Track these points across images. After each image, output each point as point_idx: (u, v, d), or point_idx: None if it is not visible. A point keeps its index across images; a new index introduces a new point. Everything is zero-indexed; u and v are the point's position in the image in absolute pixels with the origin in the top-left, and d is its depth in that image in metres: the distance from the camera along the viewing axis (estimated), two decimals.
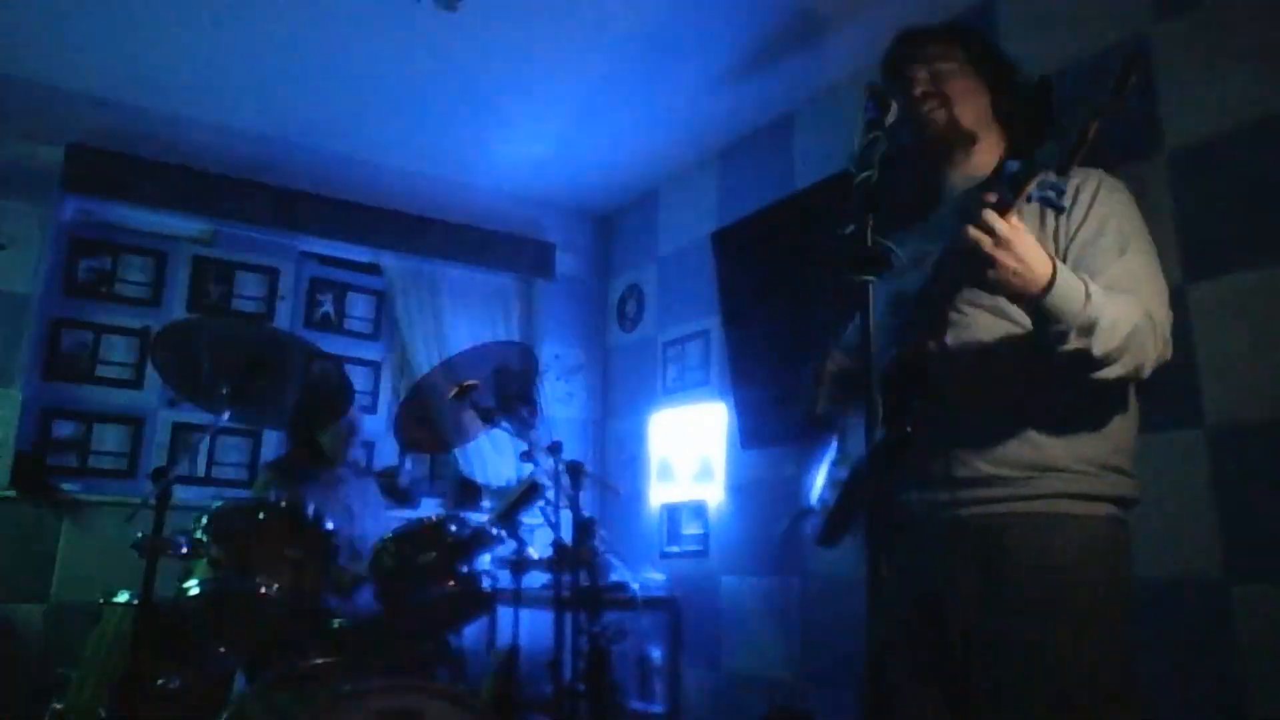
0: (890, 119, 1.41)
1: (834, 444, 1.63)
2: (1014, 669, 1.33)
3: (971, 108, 1.55)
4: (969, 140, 1.56)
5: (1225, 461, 2.41)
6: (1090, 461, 1.38)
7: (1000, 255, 1.20)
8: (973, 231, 1.21)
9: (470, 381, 2.77)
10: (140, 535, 2.06)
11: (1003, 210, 1.20)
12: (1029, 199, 1.19)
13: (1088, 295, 1.25)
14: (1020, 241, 1.21)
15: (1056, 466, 1.37)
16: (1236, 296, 2.43)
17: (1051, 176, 1.17)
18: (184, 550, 2.22)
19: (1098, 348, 1.26)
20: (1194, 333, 2.50)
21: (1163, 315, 1.36)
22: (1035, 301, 1.24)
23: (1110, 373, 1.29)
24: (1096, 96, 1.13)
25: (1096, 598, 1.35)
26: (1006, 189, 1.20)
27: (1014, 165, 1.19)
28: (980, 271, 1.23)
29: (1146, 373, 1.34)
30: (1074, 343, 1.25)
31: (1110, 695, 1.33)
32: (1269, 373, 2.35)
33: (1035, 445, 1.37)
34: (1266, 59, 2.44)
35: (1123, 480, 1.41)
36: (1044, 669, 1.31)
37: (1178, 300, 2.49)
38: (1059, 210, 1.22)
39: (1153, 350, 1.32)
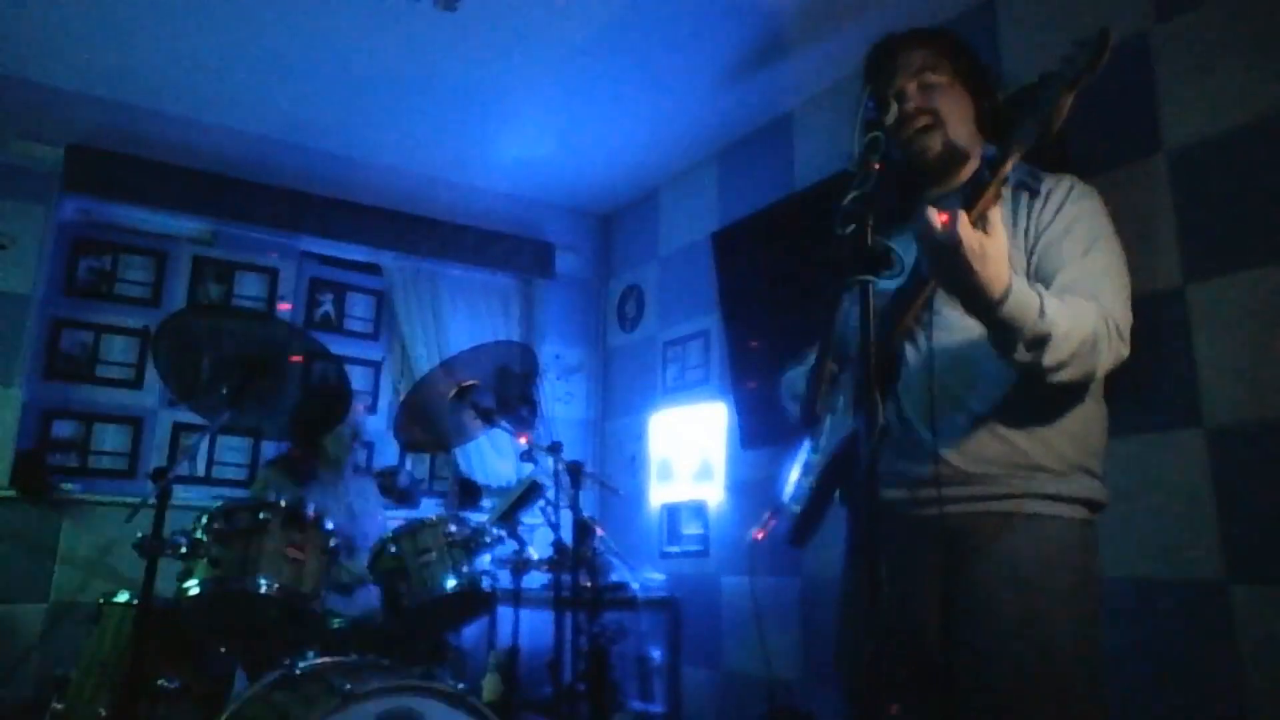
0: (890, 119, 1.40)
1: (806, 445, 1.63)
2: (987, 667, 1.34)
3: (963, 124, 1.54)
4: (962, 158, 1.56)
5: (1225, 461, 2.41)
6: (1063, 460, 1.40)
7: (961, 260, 1.19)
8: (938, 237, 1.20)
9: (470, 381, 2.77)
10: (140, 535, 2.06)
11: (980, 190, 1.20)
12: (1006, 181, 1.19)
13: (1041, 311, 1.25)
14: (979, 254, 1.20)
15: (1033, 465, 1.38)
16: (1236, 296, 2.43)
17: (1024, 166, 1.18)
18: (184, 550, 2.22)
19: (1048, 359, 1.27)
20: (1194, 333, 2.50)
21: (1121, 316, 1.37)
22: (988, 314, 1.25)
23: (1060, 377, 1.30)
24: (1068, 70, 1.13)
25: (1069, 599, 1.36)
26: (985, 170, 1.20)
27: (991, 150, 1.20)
28: (940, 275, 1.24)
29: (1100, 375, 1.36)
30: (1022, 356, 1.27)
31: (1081, 698, 1.34)
32: (1269, 373, 2.35)
33: (1010, 443, 1.39)
34: (1266, 59, 2.44)
35: (1093, 484, 1.43)
36: (1016, 667, 1.32)
37: (1178, 300, 2.52)
38: (1033, 193, 1.23)
39: (1107, 353, 1.33)
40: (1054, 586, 1.36)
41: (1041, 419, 1.40)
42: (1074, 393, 1.41)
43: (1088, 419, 1.44)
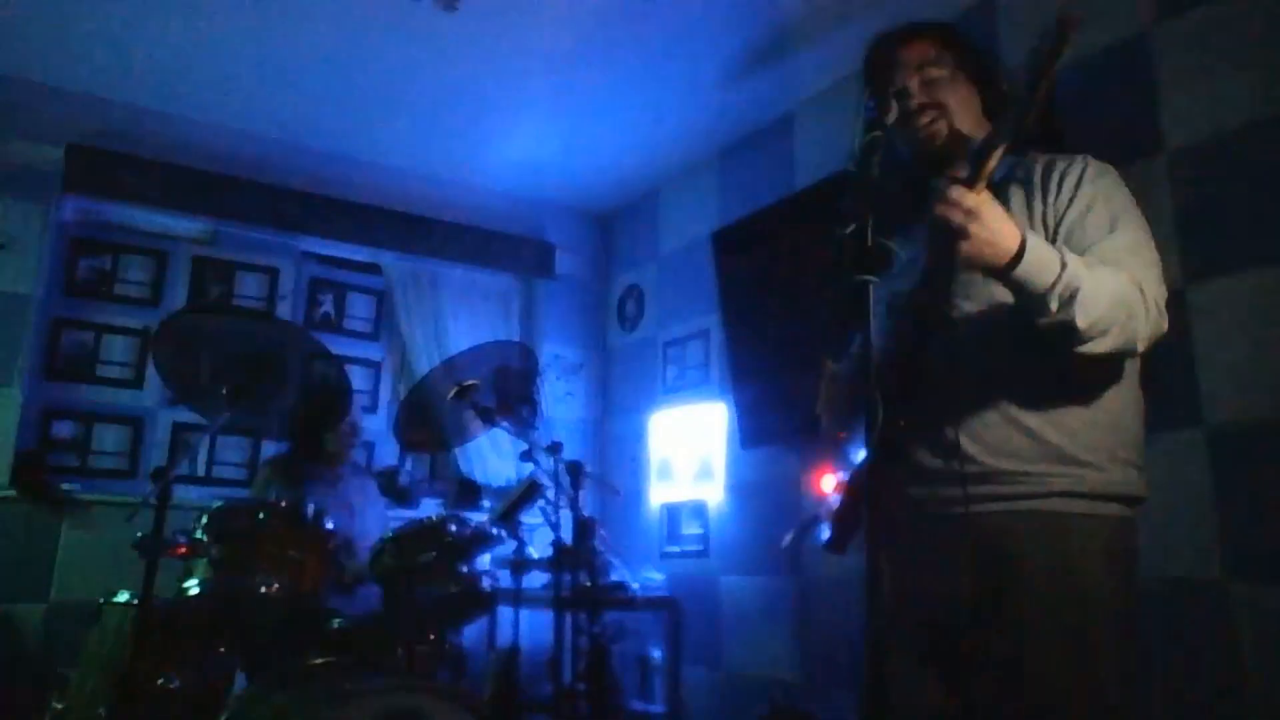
0: (891, 119, 1.40)
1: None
2: (1020, 677, 1.31)
3: (968, 113, 1.52)
4: (966, 149, 1.52)
5: (1225, 461, 2.41)
6: (1096, 451, 1.35)
7: (972, 227, 1.21)
8: (940, 208, 1.21)
9: (470, 381, 2.77)
10: (140, 535, 2.06)
11: (968, 186, 1.21)
12: (994, 177, 1.20)
13: (1063, 264, 1.24)
14: (988, 212, 1.21)
15: (1063, 458, 1.34)
16: (1236, 296, 2.43)
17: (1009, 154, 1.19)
18: (184, 550, 2.22)
19: (1081, 318, 1.24)
20: (1194, 333, 2.49)
21: (1155, 289, 1.34)
22: (1008, 272, 1.24)
23: (1099, 346, 1.27)
24: (1038, 58, 1.13)
25: (1108, 609, 1.32)
26: (970, 165, 1.20)
27: (975, 144, 1.20)
28: (954, 246, 1.23)
29: (1141, 346, 1.32)
30: (1056, 314, 1.24)
31: (1114, 709, 1.31)
32: (1269, 373, 2.35)
33: (1037, 435, 1.35)
34: (1266, 59, 2.44)
35: (1131, 475, 1.38)
36: (1051, 680, 1.30)
37: (1178, 300, 2.51)
38: (1023, 183, 1.23)
39: (1145, 323, 1.30)
40: (1095, 595, 1.31)
41: (1069, 407, 1.36)
42: (1107, 374, 1.38)
43: (1121, 406, 1.39)
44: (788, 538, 1.65)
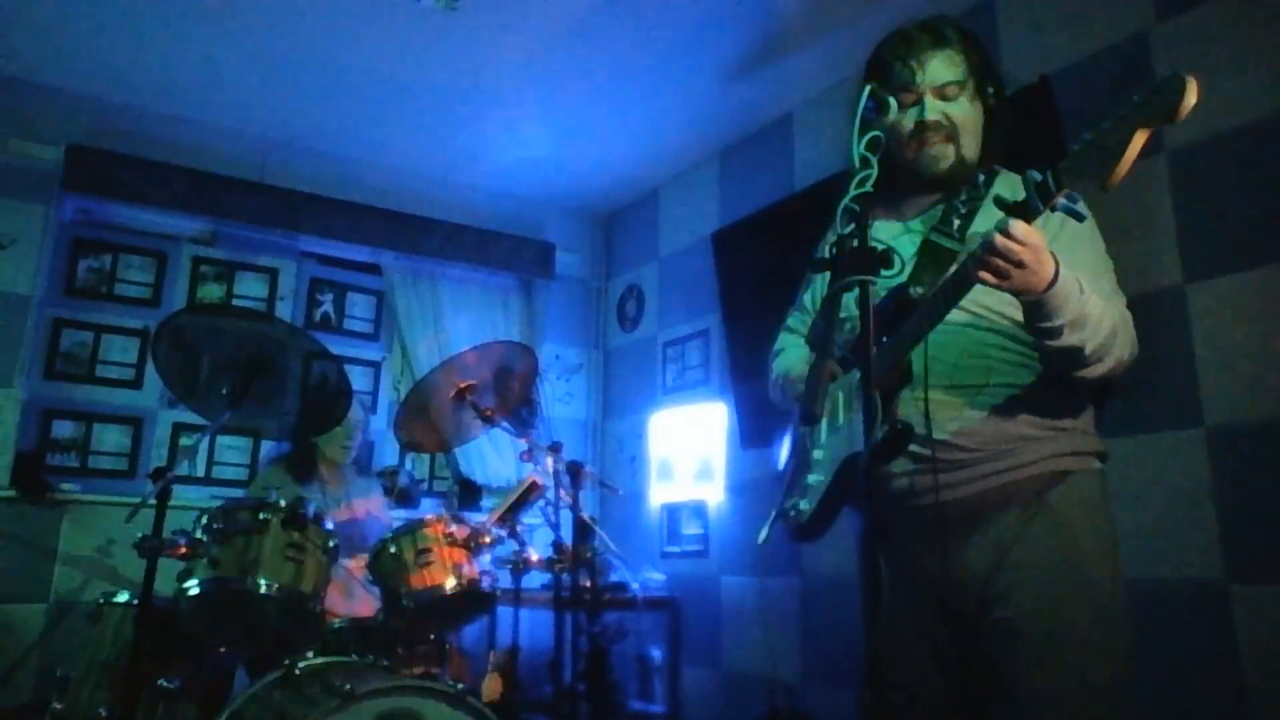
0: (891, 118, 1.40)
1: (789, 445, 1.64)
2: (1034, 631, 1.35)
3: (974, 139, 1.54)
4: (968, 174, 1.55)
5: (1225, 461, 2.41)
6: (1067, 429, 1.45)
7: (1029, 259, 1.25)
8: (1004, 241, 1.24)
9: (470, 381, 2.77)
10: (140, 535, 2.06)
11: (1029, 219, 1.24)
12: (1053, 209, 1.21)
13: (1081, 289, 1.31)
14: (1044, 246, 1.27)
15: (1039, 435, 1.42)
16: (1236, 296, 2.43)
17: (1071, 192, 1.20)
18: (184, 550, 2.22)
19: (1090, 344, 1.32)
20: (1194, 333, 2.50)
21: (1129, 318, 1.43)
22: (1039, 296, 1.29)
23: (1096, 370, 1.36)
24: (1145, 109, 1.12)
25: (1103, 545, 1.41)
26: (1034, 198, 1.22)
27: (1035, 175, 1.21)
28: (1007, 274, 1.27)
29: (1122, 371, 1.40)
30: (1068, 338, 1.31)
31: (1125, 644, 1.38)
32: (1269, 373, 2.35)
33: (1016, 421, 1.42)
34: (1266, 59, 2.44)
35: (1097, 439, 1.49)
36: (1063, 632, 1.34)
37: (1178, 300, 2.52)
38: (1080, 219, 1.25)
39: (1128, 351, 1.40)
40: (1092, 542, 1.40)
41: (1045, 401, 1.44)
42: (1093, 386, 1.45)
43: (1076, 389, 1.49)
44: (763, 532, 1.65)
